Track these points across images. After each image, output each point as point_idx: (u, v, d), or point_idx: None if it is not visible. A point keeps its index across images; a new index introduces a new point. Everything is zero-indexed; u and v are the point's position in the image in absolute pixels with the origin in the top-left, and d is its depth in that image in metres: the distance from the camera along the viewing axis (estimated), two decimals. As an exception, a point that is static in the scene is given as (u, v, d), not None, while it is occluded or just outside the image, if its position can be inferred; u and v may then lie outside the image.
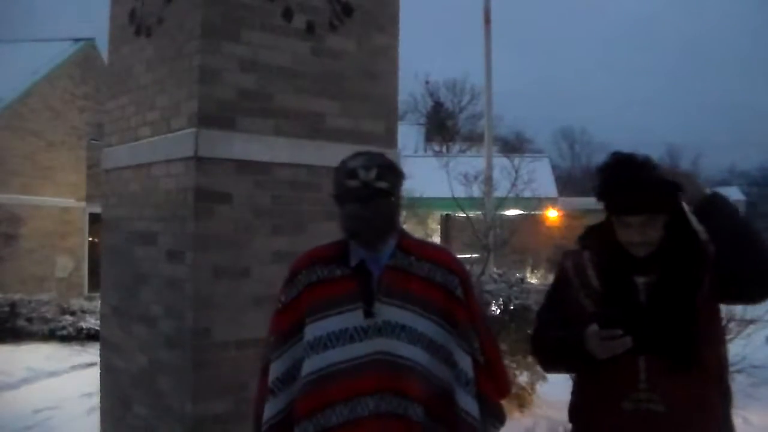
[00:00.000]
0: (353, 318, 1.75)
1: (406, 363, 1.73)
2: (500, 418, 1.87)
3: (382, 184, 1.75)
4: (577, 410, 2.02)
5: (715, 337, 1.88)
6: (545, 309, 2.08)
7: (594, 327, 1.74)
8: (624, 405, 1.81)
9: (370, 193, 1.73)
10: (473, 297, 1.88)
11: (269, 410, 1.80)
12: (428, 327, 1.76)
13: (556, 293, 2.03)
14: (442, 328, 1.78)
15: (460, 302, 1.81)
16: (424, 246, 1.92)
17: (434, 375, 1.76)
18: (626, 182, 1.80)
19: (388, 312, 1.75)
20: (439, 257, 1.85)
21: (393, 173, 1.79)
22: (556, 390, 5.66)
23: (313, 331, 1.77)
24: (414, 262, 1.81)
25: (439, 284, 1.80)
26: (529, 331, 5.94)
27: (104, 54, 6.75)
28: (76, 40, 14.99)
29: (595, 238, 1.97)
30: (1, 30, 25.62)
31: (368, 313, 1.75)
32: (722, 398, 1.86)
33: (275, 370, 1.81)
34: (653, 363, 1.78)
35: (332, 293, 1.78)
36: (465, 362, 1.78)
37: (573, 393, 2.07)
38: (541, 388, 5.98)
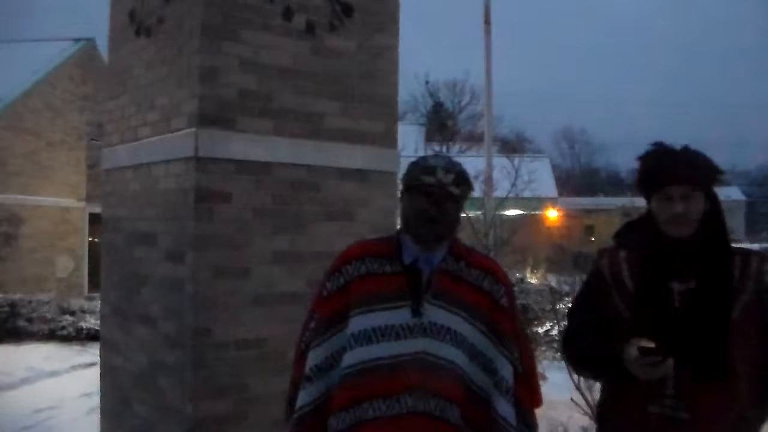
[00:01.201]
0: (400, 315, 1.75)
1: (447, 365, 1.73)
2: (534, 429, 1.87)
3: (455, 190, 1.77)
4: (604, 408, 2.02)
5: (750, 346, 1.82)
6: (578, 309, 2.06)
7: (635, 353, 1.70)
8: (650, 409, 1.81)
9: (443, 194, 1.76)
10: (516, 308, 1.91)
11: (304, 397, 1.79)
12: (472, 333, 1.77)
13: (590, 293, 2.00)
14: (485, 335, 1.79)
15: (504, 311, 1.82)
16: (474, 254, 1.93)
17: (472, 380, 1.77)
18: (668, 157, 1.84)
19: (435, 313, 1.76)
20: (488, 266, 1.87)
21: (467, 185, 1.82)
22: (556, 390, 5.68)
23: (358, 323, 1.77)
24: (464, 267, 1.82)
25: (486, 292, 1.81)
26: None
27: (104, 54, 6.74)
28: (76, 40, 15.03)
29: (632, 236, 1.96)
30: (1, 30, 25.63)
31: (416, 312, 1.75)
32: (756, 409, 1.83)
33: (314, 356, 1.81)
34: (683, 370, 1.76)
35: (381, 288, 1.78)
36: (506, 370, 1.79)
37: (602, 390, 2.07)
38: (541, 388, 5.97)
